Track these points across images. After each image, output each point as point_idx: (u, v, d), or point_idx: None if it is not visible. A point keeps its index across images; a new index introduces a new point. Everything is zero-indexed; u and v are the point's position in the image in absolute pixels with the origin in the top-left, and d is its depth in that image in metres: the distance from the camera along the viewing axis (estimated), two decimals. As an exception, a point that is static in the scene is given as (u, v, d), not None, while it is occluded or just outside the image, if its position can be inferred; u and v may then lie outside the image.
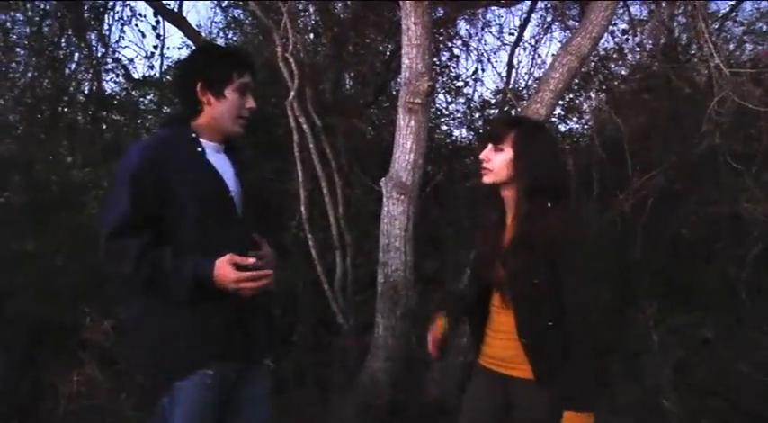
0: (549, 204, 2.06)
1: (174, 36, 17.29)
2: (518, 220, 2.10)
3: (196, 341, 1.99)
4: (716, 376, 3.94)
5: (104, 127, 6.32)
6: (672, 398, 3.67)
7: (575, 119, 7.46)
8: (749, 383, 3.82)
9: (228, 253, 1.95)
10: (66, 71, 6.66)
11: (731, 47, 6.11)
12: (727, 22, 5.82)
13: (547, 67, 4.36)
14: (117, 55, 6.80)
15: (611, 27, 5.51)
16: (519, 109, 6.93)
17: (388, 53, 7.00)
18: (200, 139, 2.09)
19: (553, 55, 7.85)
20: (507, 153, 2.09)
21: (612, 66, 6.74)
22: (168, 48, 15.65)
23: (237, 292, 1.96)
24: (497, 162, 2.10)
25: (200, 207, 1.99)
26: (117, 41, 6.77)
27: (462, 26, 7.22)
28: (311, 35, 6.54)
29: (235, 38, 7.31)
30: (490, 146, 2.13)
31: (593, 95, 6.92)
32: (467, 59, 7.84)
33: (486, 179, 2.13)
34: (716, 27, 4.99)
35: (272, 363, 2.25)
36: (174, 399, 1.97)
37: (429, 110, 4.17)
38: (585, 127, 7.35)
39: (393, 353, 3.80)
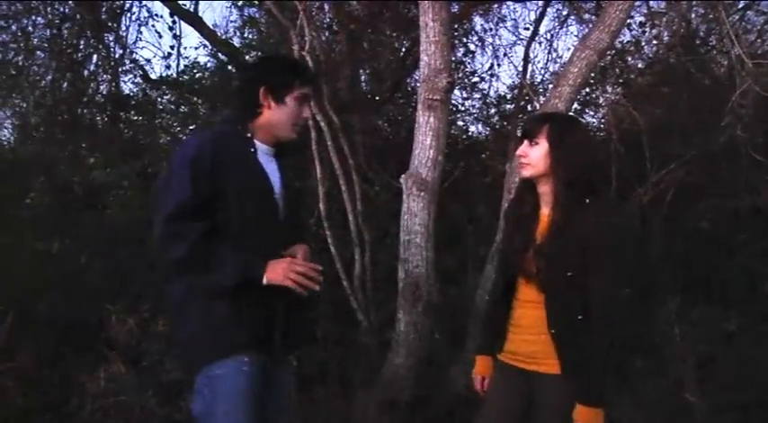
0: (587, 199, 2.08)
1: (191, 36, 17.34)
2: (556, 210, 2.12)
3: (236, 326, 2.05)
4: (739, 370, 3.91)
5: (123, 127, 6.36)
6: (695, 392, 3.65)
7: (591, 113, 7.46)
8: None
9: (268, 251, 2.05)
10: (85, 73, 6.75)
11: (752, 37, 6.03)
12: (749, 12, 5.73)
13: (565, 62, 4.34)
14: (134, 55, 6.88)
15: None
16: (536, 104, 6.92)
17: (403, 50, 7.02)
18: (255, 140, 2.17)
19: (569, 49, 7.85)
20: (543, 146, 2.14)
21: (630, 59, 6.71)
22: (185, 48, 15.78)
23: (285, 287, 2.02)
24: (534, 156, 2.15)
25: (245, 203, 2.07)
26: (134, 42, 6.88)
27: (477, 22, 7.21)
28: (327, 33, 6.56)
29: (251, 37, 7.35)
30: (526, 142, 2.18)
31: (609, 89, 6.90)
32: (482, 55, 7.80)
33: (525, 173, 2.18)
34: (737, 18, 4.92)
35: (295, 361, 2.33)
36: (214, 386, 2.02)
37: (448, 106, 4.17)
38: (602, 121, 7.33)
39: (415, 349, 3.80)
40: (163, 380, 3.41)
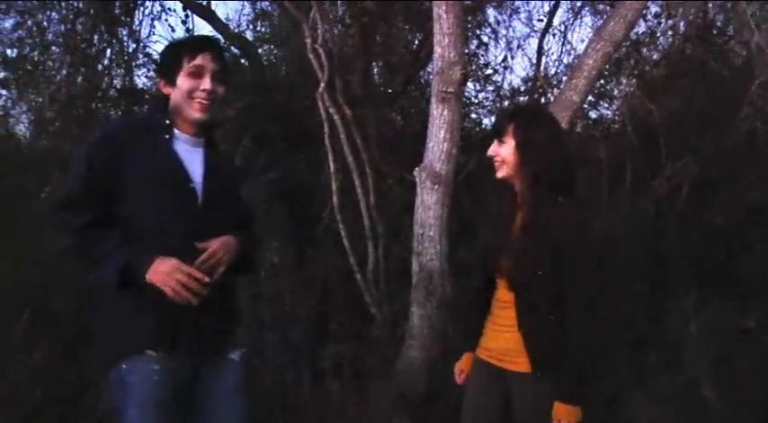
0: (558, 197, 2.07)
1: (204, 30, 17.30)
2: (524, 208, 2.12)
3: (140, 324, 1.96)
4: (756, 366, 3.87)
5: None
6: (711, 389, 3.62)
7: (605, 105, 7.38)
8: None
9: (177, 241, 1.98)
10: (99, 67, 6.75)
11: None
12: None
13: (580, 54, 4.30)
14: (147, 50, 6.88)
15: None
16: (550, 96, 6.87)
17: (416, 42, 6.98)
18: (175, 129, 2.10)
19: (583, 41, 7.78)
20: (510, 144, 2.12)
21: (645, 50, 6.64)
22: (200, 41, 15.78)
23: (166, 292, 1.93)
24: (504, 154, 2.14)
25: (147, 189, 1.99)
26: (147, 36, 6.86)
27: (491, 14, 7.17)
28: (340, 26, 6.54)
29: (264, 30, 7.33)
30: (495, 141, 2.18)
31: (624, 81, 6.83)
32: (496, 47, 7.75)
33: (500, 173, 2.17)
34: (756, 7, 4.84)
35: (239, 358, 2.18)
36: (125, 392, 1.95)
37: (462, 99, 4.15)
38: (617, 113, 7.27)
39: (428, 342, 3.81)
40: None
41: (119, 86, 6.68)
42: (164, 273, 1.92)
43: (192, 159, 2.10)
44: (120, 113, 6.57)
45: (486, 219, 5.66)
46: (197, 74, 2.08)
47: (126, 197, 1.98)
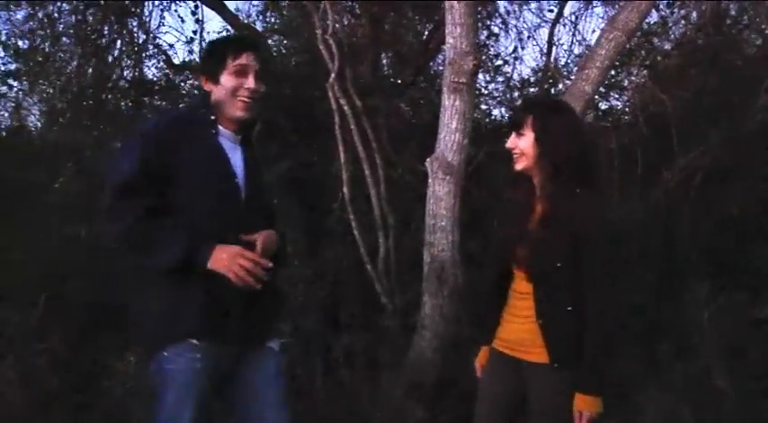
0: (577, 189, 2.07)
1: (214, 20, 17.42)
2: (543, 200, 2.12)
3: (187, 312, 1.97)
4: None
5: (147, 112, 6.40)
6: (724, 379, 3.61)
7: (616, 96, 7.35)
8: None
9: (223, 233, 2.00)
10: (109, 58, 6.77)
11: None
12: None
13: (589, 44, 4.29)
14: (157, 40, 6.89)
15: (655, 0, 5.40)
16: (561, 86, 6.84)
17: (426, 33, 6.96)
18: (218, 125, 2.14)
19: (594, 31, 7.73)
20: (529, 137, 2.12)
21: (656, 40, 6.60)
22: (208, 32, 15.78)
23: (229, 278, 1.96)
24: (523, 147, 2.13)
25: (198, 183, 2.03)
26: (157, 27, 6.86)
27: (501, 4, 7.13)
28: (349, 16, 6.52)
29: (273, 21, 7.33)
30: (513, 134, 2.17)
31: (635, 71, 6.79)
32: (506, 38, 7.72)
33: (519, 166, 2.16)
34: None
35: (278, 347, 2.22)
36: (165, 379, 1.97)
37: (474, 89, 4.14)
38: (627, 104, 7.23)
39: (440, 332, 3.82)
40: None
41: (129, 77, 6.70)
42: (227, 259, 1.95)
43: (234, 155, 2.14)
44: (130, 105, 6.61)
45: (496, 210, 5.68)
46: (241, 72, 2.12)
47: (176, 187, 2.00)
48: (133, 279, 2.09)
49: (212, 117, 2.12)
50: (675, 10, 6.30)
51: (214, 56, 2.16)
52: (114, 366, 3.50)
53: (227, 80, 2.11)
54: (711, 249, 4.99)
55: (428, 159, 3.93)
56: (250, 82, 2.11)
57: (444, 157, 3.85)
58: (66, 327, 3.63)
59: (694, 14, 6.62)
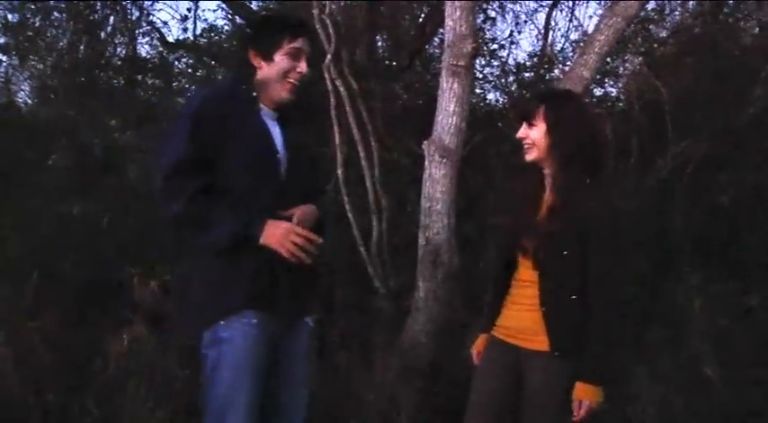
0: (587, 179, 2.07)
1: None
2: (555, 191, 2.12)
3: (238, 283, 2.00)
4: (759, 346, 3.89)
5: (141, 90, 6.33)
6: (713, 367, 3.64)
7: (611, 82, 7.35)
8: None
9: (264, 208, 2.02)
10: (102, 35, 6.69)
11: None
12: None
13: (588, 29, 4.28)
14: (151, 18, 6.82)
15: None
16: (556, 72, 6.84)
17: (422, 16, 6.92)
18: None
19: (591, 17, 7.69)
20: (541, 128, 2.12)
21: (653, 28, 6.59)
22: (203, 11, 15.64)
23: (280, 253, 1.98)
24: (534, 137, 2.13)
25: (246, 161, 2.04)
26: (151, 4, 6.79)
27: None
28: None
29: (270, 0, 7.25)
30: (524, 124, 2.16)
31: (629, 58, 6.79)
32: (503, 22, 7.69)
33: (530, 156, 2.16)
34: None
35: (312, 322, 2.25)
36: (220, 349, 1.97)
37: (472, 73, 4.13)
38: (622, 91, 7.24)
39: (434, 316, 3.83)
40: (184, 342, 3.43)
41: (122, 55, 6.64)
42: (280, 235, 1.97)
43: (275, 132, 2.14)
44: (122, 82, 6.54)
45: (492, 194, 5.69)
46: (296, 56, 2.12)
47: (222, 165, 2.01)
48: (181, 255, 2.09)
49: (253, 93, 2.11)
50: (673, -3, 6.28)
51: (270, 33, 2.14)
52: (108, 345, 3.48)
53: (281, 60, 2.11)
54: (703, 238, 5.02)
55: (425, 142, 3.91)
56: (303, 66, 2.12)
57: (441, 140, 3.84)
58: (60, 304, 3.60)
59: (692, 2, 6.63)
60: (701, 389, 3.52)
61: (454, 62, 3.75)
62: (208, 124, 1.99)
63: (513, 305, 2.21)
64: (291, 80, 2.12)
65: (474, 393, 2.28)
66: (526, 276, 2.16)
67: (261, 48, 2.12)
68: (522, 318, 2.15)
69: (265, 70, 2.12)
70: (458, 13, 3.75)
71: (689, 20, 6.53)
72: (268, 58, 2.11)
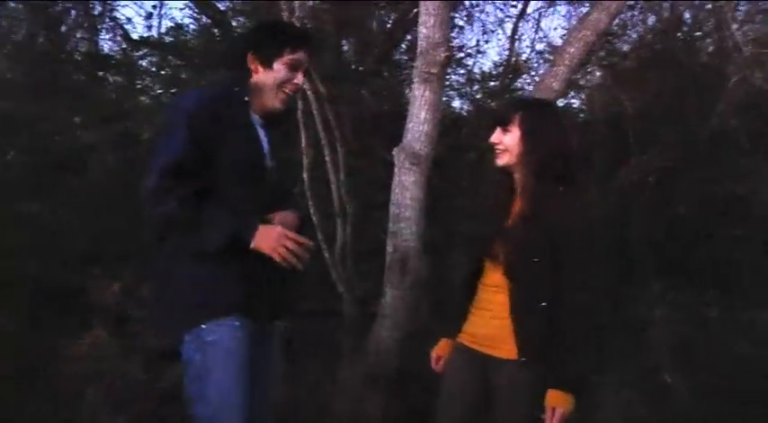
0: (560, 187, 2.08)
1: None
2: (525, 197, 2.11)
3: (224, 287, 1.99)
4: (716, 354, 4.00)
5: (104, 87, 6.17)
6: (674, 375, 3.72)
7: (572, 94, 7.47)
8: (748, 362, 3.89)
9: (251, 213, 2.01)
10: (63, 28, 6.50)
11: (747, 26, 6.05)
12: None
13: (554, 41, 4.34)
14: (115, 13, 6.65)
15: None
16: (521, 82, 6.93)
17: (390, 22, 6.93)
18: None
19: (556, 28, 7.79)
20: (515, 134, 2.12)
21: (616, 42, 6.72)
22: (170, 8, 15.42)
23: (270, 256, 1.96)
24: (508, 143, 2.13)
25: (237, 166, 2.03)
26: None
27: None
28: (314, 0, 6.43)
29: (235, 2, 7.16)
30: (498, 129, 2.16)
31: (592, 70, 6.91)
32: (470, 31, 7.76)
33: (500, 161, 2.16)
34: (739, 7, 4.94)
35: (284, 326, 2.28)
36: (206, 353, 1.96)
37: (444, 80, 4.13)
38: (584, 103, 7.36)
39: (401, 322, 3.81)
40: (148, 346, 3.36)
41: (83, 50, 6.45)
42: (272, 239, 1.95)
43: (263, 138, 2.13)
44: (81, 78, 6.37)
45: (456, 200, 5.73)
46: (295, 67, 2.10)
47: (214, 167, 1.99)
48: (165, 257, 2.06)
49: (245, 98, 2.09)
50: (635, 12, 6.41)
51: (273, 40, 2.12)
52: (65, 350, 3.38)
53: (280, 69, 2.09)
54: (663, 248, 5.14)
55: (395, 149, 3.90)
56: (299, 78, 2.12)
57: (412, 146, 3.83)
58: (15, 308, 3.49)
59: (652, 18, 6.78)
60: (662, 396, 3.59)
61: (426, 70, 3.75)
62: (205, 126, 1.97)
63: (479, 311, 2.20)
64: (287, 91, 2.11)
65: (442, 402, 2.27)
66: (494, 281, 2.15)
67: (261, 53, 2.10)
68: (489, 325, 2.14)
69: (262, 76, 2.10)
70: (432, 21, 3.75)
71: (649, 36, 6.68)
72: (267, 64, 2.09)
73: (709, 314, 4.27)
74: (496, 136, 2.16)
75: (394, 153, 3.90)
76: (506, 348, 2.08)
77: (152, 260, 2.10)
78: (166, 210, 1.91)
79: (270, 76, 2.09)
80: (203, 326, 1.97)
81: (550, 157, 2.09)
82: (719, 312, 4.29)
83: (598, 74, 6.80)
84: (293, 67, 2.10)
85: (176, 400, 2.99)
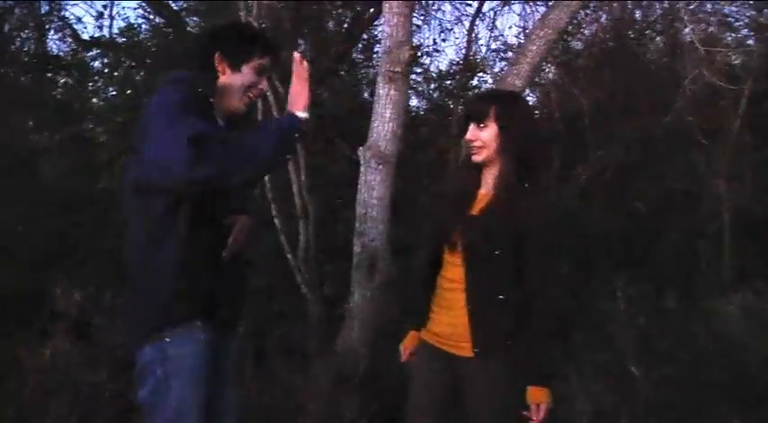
0: (531, 180, 2.08)
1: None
2: (501, 189, 2.10)
3: (188, 296, 1.94)
4: (676, 344, 4.11)
5: (54, 88, 5.97)
6: (636, 365, 3.80)
7: (528, 91, 7.56)
8: (708, 351, 4.01)
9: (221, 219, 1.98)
10: (6, 27, 6.26)
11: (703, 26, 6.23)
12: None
13: (511, 39, 4.39)
14: (63, 13, 6.44)
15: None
16: (477, 80, 7.00)
17: (348, 21, 6.91)
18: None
19: (511, 27, 7.88)
20: (492, 128, 2.11)
21: (570, 40, 6.85)
22: (122, 8, 15.12)
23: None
24: (485, 138, 2.11)
25: None
26: (63, -2, 6.42)
27: (423, -1, 7.16)
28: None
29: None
30: (473, 125, 2.14)
31: (547, 68, 7.02)
32: (428, 30, 7.80)
33: (479, 157, 2.14)
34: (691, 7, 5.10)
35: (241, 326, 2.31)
36: (167, 366, 1.90)
37: (409, 79, 4.14)
38: (540, 100, 7.47)
39: (369, 322, 3.80)
40: (114, 355, 3.26)
41: (30, 51, 6.22)
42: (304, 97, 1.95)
43: None
44: (28, 79, 6.15)
45: (416, 198, 5.75)
46: (261, 72, 2.08)
47: None
48: (136, 262, 1.98)
49: (210, 100, 2.03)
50: (589, 11, 6.54)
51: (244, 43, 2.08)
52: (26, 360, 3.26)
53: (247, 73, 2.05)
54: (621, 242, 5.25)
55: (360, 148, 3.89)
56: (264, 84, 2.11)
57: (377, 145, 3.82)
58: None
59: (604, 17, 6.92)
60: (626, 386, 3.66)
61: (391, 68, 3.75)
62: (196, 111, 1.86)
63: (442, 309, 2.19)
64: (251, 95, 2.08)
65: (411, 399, 2.27)
66: (454, 275, 2.14)
67: (230, 55, 2.05)
68: (452, 324, 2.14)
69: (229, 78, 2.06)
70: (395, 20, 3.75)
71: (602, 34, 6.82)
72: (235, 67, 2.05)
73: (668, 306, 4.38)
74: (472, 133, 2.13)
75: (359, 152, 3.89)
76: (469, 346, 2.08)
77: (130, 267, 2.02)
78: (205, 171, 1.73)
79: (237, 79, 2.05)
80: (167, 339, 1.91)
81: (528, 148, 2.10)
82: (678, 303, 4.40)
83: (553, 71, 6.92)
84: (260, 72, 2.08)
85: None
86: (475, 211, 2.14)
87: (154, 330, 1.92)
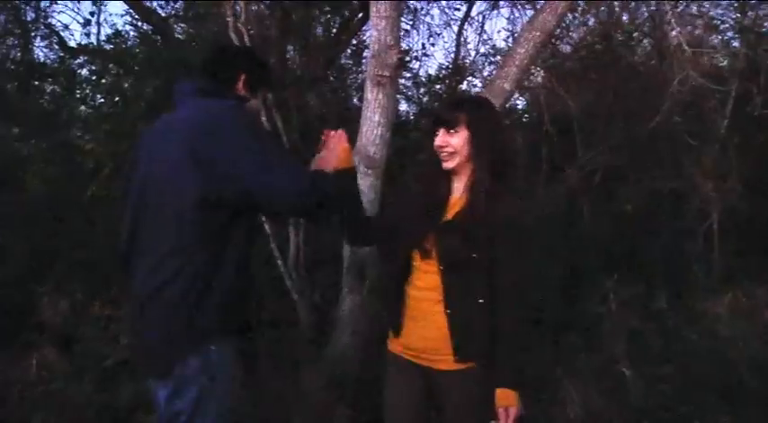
0: (504, 184, 2.08)
1: (115, 5, 17.04)
2: (473, 194, 2.08)
3: (239, 304, 2.01)
4: (667, 344, 4.11)
5: (39, 97, 5.92)
6: (628, 366, 3.80)
7: (517, 94, 7.58)
8: (698, 351, 4.01)
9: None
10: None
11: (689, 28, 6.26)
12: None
13: (500, 43, 4.39)
14: (50, 20, 6.40)
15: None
16: (466, 84, 6.99)
17: (336, 26, 6.90)
18: None
19: (500, 31, 7.90)
20: (463, 134, 2.09)
21: (558, 43, 6.86)
22: (110, 14, 15.23)
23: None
24: (456, 144, 2.10)
25: None
26: (49, 5, 6.38)
27: (411, 2, 7.18)
28: (259, 6, 6.34)
29: (179, 7, 6.99)
30: (442, 131, 2.12)
31: (536, 72, 7.03)
32: (417, 34, 7.81)
33: (450, 164, 2.12)
34: (678, 9, 5.12)
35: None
36: (213, 373, 1.91)
37: (397, 83, 4.12)
38: (529, 103, 7.50)
39: (360, 328, 3.78)
40: (100, 365, 3.22)
41: (16, 58, 6.18)
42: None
43: None
44: (14, 87, 6.10)
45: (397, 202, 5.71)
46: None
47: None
48: (183, 274, 1.91)
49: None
50: (576, 14, 6.56)
51: (263, 70, 2.22)
52: (11, 372, 3.22)
53: (258, 100, 2.23)
54: (610, 244, 5.25)
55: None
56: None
57: (366, 150, 3.80)
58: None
59: (592, 20, 6.95)
60: (620, 388, 3.66)
61: (379, 72, 3.73)
62: None
63: (411, 321, 2.15)
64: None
65: (388, 410, 2.26)
66: (428, 283, 2.10)
67: (253, 79, 2.15)
68: (425, 337, 2.11)
69: (254, 103, 2.18)
70: (383, 24, 3.73)
71: (590, 37, 6.84)
72: (254, 92, 2.16)
73: (659, 307, 4.38)
74: (442, 139, 2.11)
75: (348, 157, 3.87)
76: (446, 359, 2.06)
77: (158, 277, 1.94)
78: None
79: (254, 104, 2.19)
80: (212, 347, 1.92)
81: (497, 152, 2.09)
82: (669, 304, 4.40)
83: (541, 75, 6.92)
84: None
85: (131, 420, 2.89)
86: (449, 216, 2.12)
87: (204, 340, 1.91)
